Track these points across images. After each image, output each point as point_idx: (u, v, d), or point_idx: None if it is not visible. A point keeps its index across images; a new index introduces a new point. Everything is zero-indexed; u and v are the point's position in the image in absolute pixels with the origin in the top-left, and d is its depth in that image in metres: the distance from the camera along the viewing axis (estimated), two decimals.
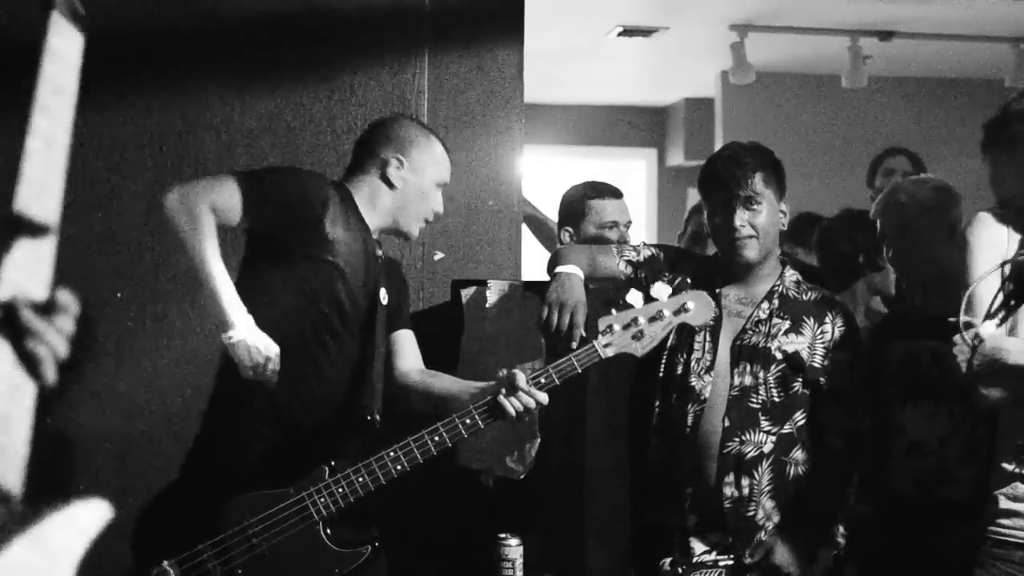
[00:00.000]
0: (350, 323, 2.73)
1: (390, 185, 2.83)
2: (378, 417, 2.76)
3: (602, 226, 3.75)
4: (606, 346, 2.69)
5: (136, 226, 3.42)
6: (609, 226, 3.75)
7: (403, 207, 2.84)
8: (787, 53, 7.65)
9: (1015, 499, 2.70)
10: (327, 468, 2.62)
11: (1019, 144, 1.86)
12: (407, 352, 2.93)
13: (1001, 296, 2.35)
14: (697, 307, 2.75)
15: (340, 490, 2.60)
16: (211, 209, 2.59)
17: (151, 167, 3.45)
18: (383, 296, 2.81)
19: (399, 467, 2.60)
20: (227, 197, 2.62)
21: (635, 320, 2.72)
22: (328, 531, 2.61)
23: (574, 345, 2.91)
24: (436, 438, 2.61)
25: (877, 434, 3.13)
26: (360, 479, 2.60)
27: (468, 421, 2.63)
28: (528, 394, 2.63)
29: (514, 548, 2.95)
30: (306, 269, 2.67)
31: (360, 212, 2.80)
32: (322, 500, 2.59)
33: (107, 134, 3.43)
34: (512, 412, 2.62)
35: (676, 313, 2.75)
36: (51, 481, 3.39)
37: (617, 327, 2.70)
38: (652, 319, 2.73)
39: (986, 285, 2.73)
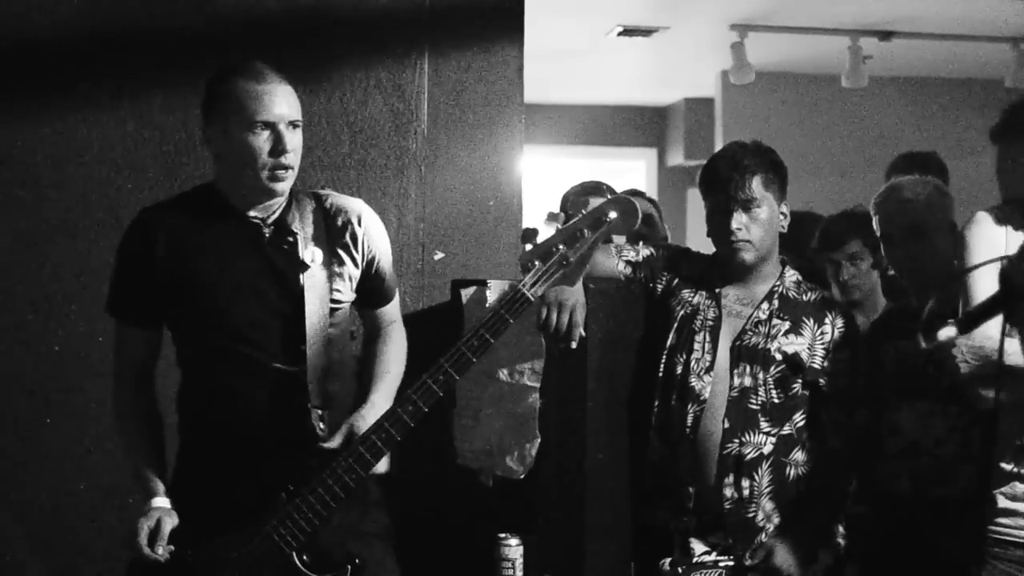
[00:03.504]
0: (243, 319, 2.53)
1: (216, 157, 2.57)
2: (321, 424, 2.51)
3: None
4: (533, 285, 2.48)
5: None
6: None
7: (230, 170, 2.54)
8: (787, 53, 7.66)
9: (1014, 498, 2.71)
10: (284, 495, 2.47)
11: None
12: (379, 319, 2.74)
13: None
14: (620, 215, 2.48)
15: (303, 516, 2.46)
16: (135, 387, 2.64)
17: (151, 167, 3.45)
18: (311, 257, 2.55)
19: (353, 476, 2.44)
20: (134, 351, 2.64)
21: (555, 248, 2.48)
22: (305, 558, 2.48)
23: (573, 345, 2.91)
24: (383, 434, 2.44)
25: (873, 434, 3.13)
26: (316, 499, 2.45)
27: (409, 408, 2.45)
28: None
29: (514, 548, 2.94)
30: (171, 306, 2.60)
31: (226, 199, 2.56)
32: (287, 530, 2.46)
33: (107, 134, 3.43)
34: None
35: (596, 227, 2.48)
36: (51, 481, 3.39)
37: (537, 262, 2.48)
38: (572, 242, 2.48)
39: (984, 285, 2.73)
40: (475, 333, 2.48)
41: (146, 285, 2.58)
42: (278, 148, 2.48)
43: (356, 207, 2.68)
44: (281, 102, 2.49)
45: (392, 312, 2.81)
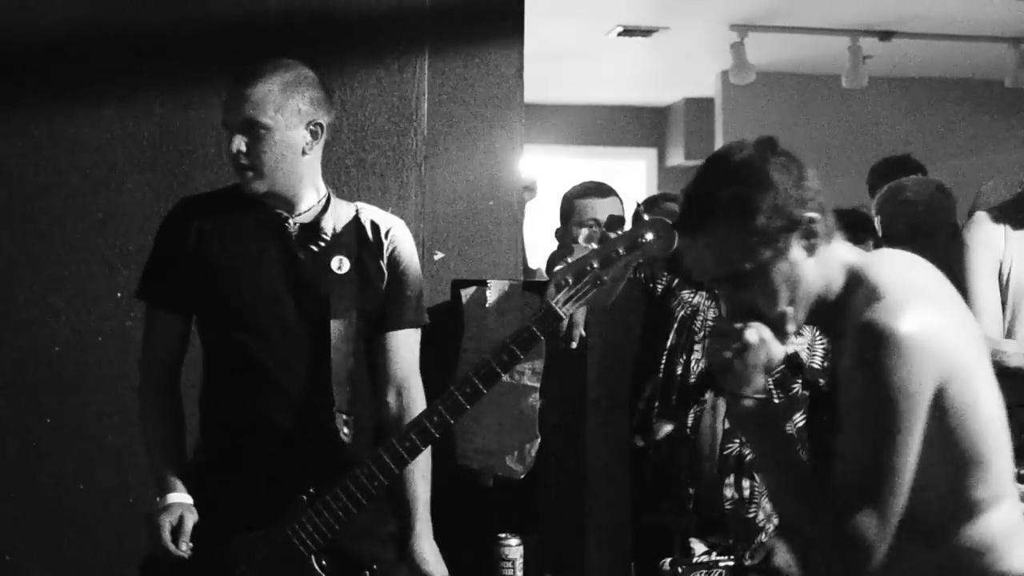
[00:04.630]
0: (266, 317, 2.53)
1: None
2: (346, 429, 2.53)
3: (582, 224, 3.76)
4: (565, 303, 2.44)
5: (136, 226, 3.43)
6: (588, 224, 3.76)
7: None
8: (787, 53, 7.66)
9: None
10: (305, 498, 2.47)
11: (715, 224, 1.89)
12: (391, 359, 2.68)
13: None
14: (656, 237, 2.41)
15: (323, 519, 2.46)
16: (160, 383, 2.63)
17: (151, 167, 3.45)
18: (338, 264, 2.58)
19: (376, 483, 2.45)
20: (160, 340, 2.64)
21: (589, 266, 2.42)
22: (323, 562, 2.48)
23: (574, 345, 2.91)
24: (407, 443, 2.45)
25: None
26: (337, 504, 2.45)
27: (434, 419, 2.46)
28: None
29: (514, 548, 2.95)
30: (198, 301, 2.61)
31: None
32: (306, 533, 2.46)
33: (107, 134, 3.43)
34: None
35: (632, 249, 2.41)
36: (51, 481, 3.39)
37: (571, 278, 2.43)
38: (607, 262, 2.42)
39: (986, 284, 2.74)
40: (504, 348, 2.44)
41: (174, 270, 2.60)
42: (229, 149, 2.53)
43: (388, 221, 2.69)
44: (234, 106, 2.52)
45: (408, 359, 2.71)
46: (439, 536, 3.05)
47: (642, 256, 2.45)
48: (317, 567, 2.48)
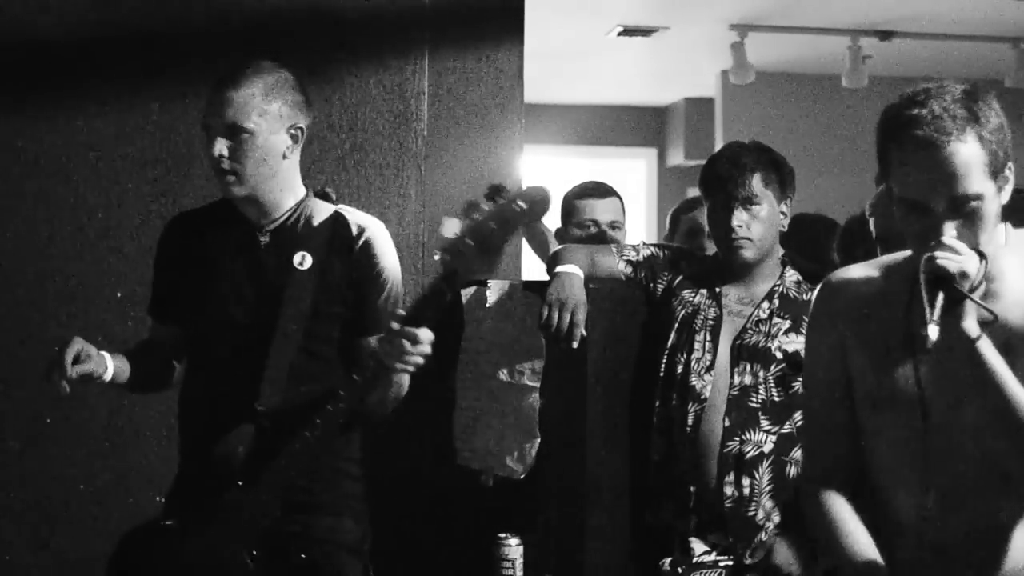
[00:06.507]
0: (228, 315, 2.56)
1: None
2: (264, 422, 2.50)
3: (580, 225, 3.76)
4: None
5: (137, 226, 3.43)
6: (587, 225, 3.75)
7: None
8: (787, 53, 7.67)
9: None
10: (234, 490, 2.45)
11: (993, 117, 1.98)
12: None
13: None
14: (530, 204, 2.39)
15: (247, 514, 2.44)
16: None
17: (150, 167, 3.45)
18: (299, 260, 2.54)
19: (293, 473, 2.44)
20: (163, 343, 2.72)
21: (487, 228, 2.38)
22: (255, 553, 2.46)
23: (575, 345, 2.92)
24: (316, 432, 2.41)
25: None
26: (263, 497, 2.43)
27: (337, 403, 2.42)
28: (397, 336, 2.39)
29: (514, 548, 2.94)
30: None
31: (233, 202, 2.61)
32: (236, 528, 2.45)
33: (108, 134, 3.43)
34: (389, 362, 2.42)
35: (506, 223, 2.37)
36: (48, 479, 3.39)
37: (471, 241, 2.41)
38: (478, 235, 2.39)
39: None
40: (405, 316, 2.44)
41: (165, 286, 2.69)
42: (211, 153, 2.51)
43: (366, 222, 2.64)
44: (217, 109, 2.50)
45: None
46: (439, 536, 3.05)
47: (517, 223, 2.41)
48: (248, 560, 2.45)
